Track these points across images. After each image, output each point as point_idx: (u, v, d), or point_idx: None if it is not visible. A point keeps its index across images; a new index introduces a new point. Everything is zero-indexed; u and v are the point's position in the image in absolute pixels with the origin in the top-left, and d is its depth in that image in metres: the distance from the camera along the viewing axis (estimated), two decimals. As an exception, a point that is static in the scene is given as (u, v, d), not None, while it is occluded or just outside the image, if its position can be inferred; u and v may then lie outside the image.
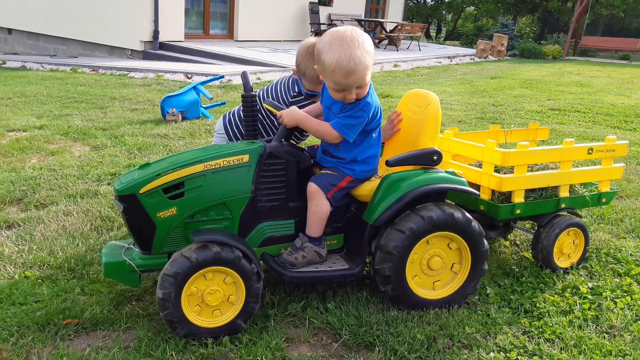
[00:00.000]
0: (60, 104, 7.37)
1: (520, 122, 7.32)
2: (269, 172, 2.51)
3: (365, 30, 18.55)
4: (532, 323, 2.62)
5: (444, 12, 40.77)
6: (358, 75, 2.30)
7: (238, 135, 3.19)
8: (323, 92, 2.61)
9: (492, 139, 3.06)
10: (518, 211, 2.95)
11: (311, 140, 4.44)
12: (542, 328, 2.58)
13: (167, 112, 6.59)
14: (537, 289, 2.93)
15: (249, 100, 2.62)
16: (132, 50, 13.38)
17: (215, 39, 15.47)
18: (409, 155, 2.58)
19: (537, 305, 2.76)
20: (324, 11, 18.36)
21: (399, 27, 18.80)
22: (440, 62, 15.70)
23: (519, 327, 2.58)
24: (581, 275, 3.11)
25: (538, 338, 2.50)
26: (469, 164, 3.24)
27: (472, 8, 39.10)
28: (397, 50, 17.63)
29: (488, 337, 2.50)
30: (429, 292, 2.63)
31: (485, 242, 2.61)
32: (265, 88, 3.19)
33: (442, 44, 27.85)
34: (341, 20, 18.31)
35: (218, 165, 2.43)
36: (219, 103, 7.39)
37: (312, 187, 2.51)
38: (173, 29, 13.74)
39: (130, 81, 9.76)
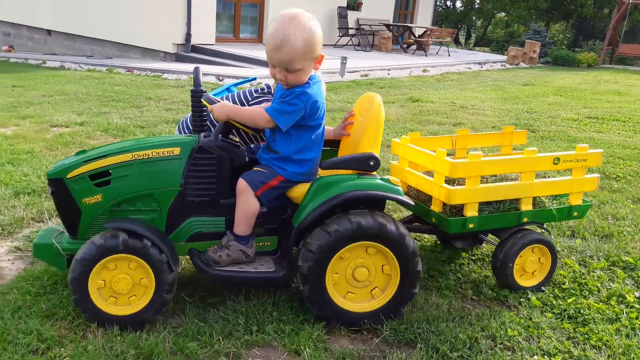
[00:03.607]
0: (99, 102, 7.54)
1: (556, 129, 7.18)
2: (199, 166, 2.45)
3: (393, 35, 18.65)
4: (576, 329, 2.56)
5: (473, 17, 40.41)
6: (283, 54, 2.27)
7: None
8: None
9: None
10: (471, 225, 2.72)
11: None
12: (587, 335, 2.51)
13: (201, 112, 6.66)
14: (580, 296, 2.86)
15: (197, 95, 2.58)
16: (165, 52, 13.59)
17: (244, 43, 15.61)
18: (344, 159, 2.47)
19: (582, 311, 2.70)
20: (352, 16, 18.37)
21: (428, 32, 18.70)
22: (470, 68, 15.54)
23: (562, 332, 2.53)
24: (627, 284, 3.03)
25: (584, 344, 2.45)
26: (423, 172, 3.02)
27: (503, 14, 38.66)
28: (426, 56, 17.53)
29: (531, 340, 2.46)
30: (366, 304, 2.45)
31: (419, 263, 2.41)
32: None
33: (471, 50, 27.58)
34: (369, 25, 18.30)
35: (147, 156, 2.42)
36: (251, 104, 7.45)
37: (241, 184, 2.42)
38: (205, 33, 13.92)
39: (164, 82, 9.91)
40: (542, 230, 3.00)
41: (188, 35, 13.45)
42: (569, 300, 2.78)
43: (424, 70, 13.61)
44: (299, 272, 2.36)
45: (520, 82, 12.89)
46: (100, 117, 6.52)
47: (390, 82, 11.01)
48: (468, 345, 2.35)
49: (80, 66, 11.87)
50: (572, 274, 3.09)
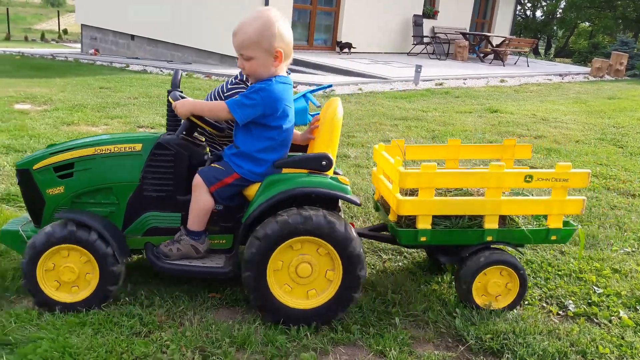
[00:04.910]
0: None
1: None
2: (156, 162, 2.52)
3: (470, 44, 18.29)
4: (673, 351, 2.43)
5: (554, 27, 38.87)
6: (237, 39, 2.38)
7: None
8: None
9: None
10: (423, 238, 2.60)
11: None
12: (686, 358, 2.38)
13: (278, 117, 6.85)
14: (677, 317, 2.70)
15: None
16: (241, 59, 14.04)
17: (318, 50, 15.86)
18: (297, 159, 2.48)
19: (679, 333, 2.56)
20: (427, 24, 18.22)
21: (506, 41, 18.20)
22: (550, 80, 14.97)
23: (658, 355, 2.41)
24: None
25: (682, 368, 2.32)
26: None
27: (587, 24, 36.93)
28: (504, 66, 17.06)
29: (624, 359, 2.36)
30: (301, 302, 2.44)
31: (356, 246, 2.37)
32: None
33: (551, 61, 26.53)
34: (445, 34, 18.06)
35: (109, 151, 2.52)
36: (326, 110, 7.57)
37: (196, 179, 2.47)
38: (280, 40, 14.26)
39: (241, 88, 10.25)
40: (516, 252, 2.79)
41: (264, 43, 13.83)
42: (666, 323, 2.65)
43: (502, 81, 13.27)
44: (243, 259, 2.38)
45: (605, 95, 12.27)
46: (185, 120, 6.83)
47: (466, 92, 10.82)
48: (557, 358, 2.30)
49: (161, 70, 12.50)
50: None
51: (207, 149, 2.76)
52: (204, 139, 2.86)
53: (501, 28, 22.16)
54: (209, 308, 2.56)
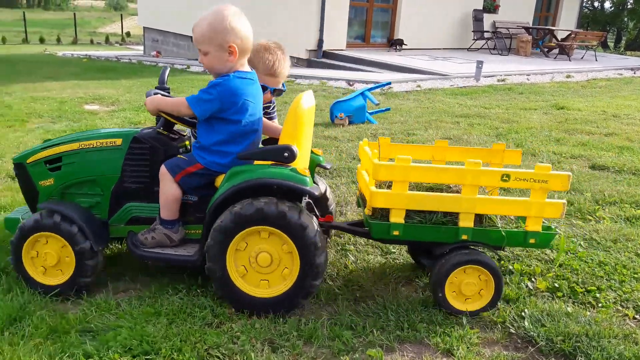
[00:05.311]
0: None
1: None
2: (134, 155, 2.68)
3: (533, 39, 17.65)
4: None
5: (625, 19, 36.84)
6: (194, 34, 2.51)
7: None
8: None
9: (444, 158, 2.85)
10: (395, 232, 2.55)
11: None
12: None
13: (336, 117, 6.89)
14: None
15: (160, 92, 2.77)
16: (298, 58, 14.21)
17: (375, 47, 15.79)
18: (259, 150, 2.57)
19: None
20: (488, 19, 17.73)
21: (572, 35, 17.43)
22: (621, 74, 14.22)
23: None
24: None
25: None
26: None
27: (660, 15, 34.80)
28: (569, 60, 16.36)
29: None
30: (263, 291, 2.49)
31: (311, 234, 2.38)
32: None
33: (622, 55, 25.17)
34: (507, 28, 17.52)
35: (92, 145, 2.71)
36: (384, 109, 7.54)
37: (162, 169, 2.59)
38: (336, 38, 14.31)
39: (298, 87, 10.36)
40: (491, 253, 2.68)
41: (320, 42, 13.93)
42: None
43: (568, 76, 12.74)
44: (205, 250, 2.45)
45: (682, 89, 11.53)
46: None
47: (530, 88, 10.47)
48: (634, 364, 2.21)
49: (222, 71, 12.80)
50: None
51: (187, 142, 2.87)
52: (185, 134, 2.95)
53: (567, 21, 21.25)
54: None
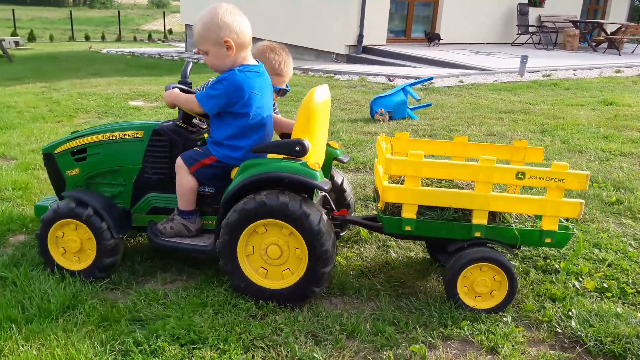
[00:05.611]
0: (279, 102, 8.14)
1: None
2: (154, 147, 2.77)
3: (581, 33, 17.07)
4: None
5: (678, 11, 35.16)
6: (194, 36, 2.55)
7: None
8: None
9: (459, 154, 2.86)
10: (407, 228, 2.54)
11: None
12: None
13: (376, 112, 6.86)
14: None
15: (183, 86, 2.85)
16: (337, 54, 14.19)
17: (415, 42, 15.61)
18: (272, 144, 2.60)
19: None
20: (533, 12, 17.24)
21: (623, 28, 16.76)
22: (674, 68, 13.60)
23: None
24: None
25: None
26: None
27: None
28: (619, 55, 15.76)
29: None
30: (277, 283, 2.53)
31: (314, 222, 2.39)
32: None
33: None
34: (553, 22, 17.00)
35: (115, 137, 2.81)
36: (425, 104, 7.45)
37: (178, 161, 2.65)
38: (376, 33, 14.21)
39: (337, 83, 10.36)
40: (504, 251, 2.61)
41: (360, 37, 13.86)
42: None
43: (617, 71, 12.27)
44: (216, 249, 2.53)
45: None
46: (282, 114, 7.03)
47: (576, 83, 10.14)
48: (690, 370, 2.13)
49: (263, 67, 12.91)
50: None
51: (206, 135, 2.91)
52: (204, 126, 2.99)
53: (616, 14, 20.44)
54: (319, 296, 2.64)
